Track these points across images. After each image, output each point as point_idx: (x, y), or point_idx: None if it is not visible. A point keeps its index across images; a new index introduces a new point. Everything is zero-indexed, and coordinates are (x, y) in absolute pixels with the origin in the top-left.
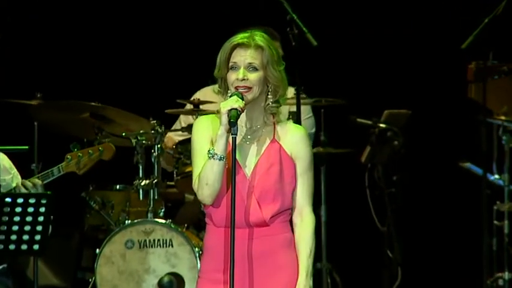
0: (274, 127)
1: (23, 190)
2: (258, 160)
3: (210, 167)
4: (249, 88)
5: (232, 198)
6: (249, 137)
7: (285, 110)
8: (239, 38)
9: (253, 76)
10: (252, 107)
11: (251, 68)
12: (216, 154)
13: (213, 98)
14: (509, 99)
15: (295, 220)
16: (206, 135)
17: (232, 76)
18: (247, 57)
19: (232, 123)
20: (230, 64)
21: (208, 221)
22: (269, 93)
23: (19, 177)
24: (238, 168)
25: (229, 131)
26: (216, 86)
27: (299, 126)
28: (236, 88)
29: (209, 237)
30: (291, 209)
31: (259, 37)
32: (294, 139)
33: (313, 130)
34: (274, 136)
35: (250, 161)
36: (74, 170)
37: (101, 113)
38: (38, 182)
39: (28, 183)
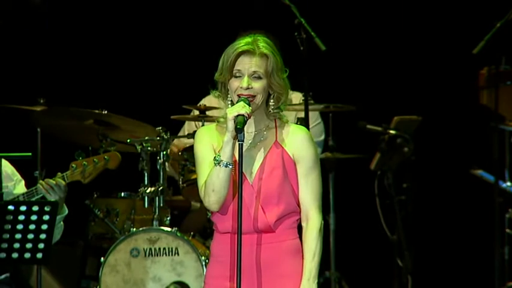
0: (276, 130)
1: (44, 188)
2: (260, 165)
3: (216, 174)
4: (253, 97)
5: (239, 205)
6: (250, 142)
7: (291, 116)
8: (243, 44)
9: (258, 84)
10: (256, 112)
11: (255, 76)
12: (222, 161)
13: (219, 104)
14: None
15: (303, 223)
16: (209, 144)
17: (235, 83)
18: (252, 66)
19: (239, 130)
20: (234, 71)
21: (215, 227)
22: (272, 100)
23: (22, 183)
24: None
25: (235, 138)
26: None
27: (301, 127)
28: (239, 96)
29: (215, 244)
30: (298, 214)
31: (263, 43)
32: (295, 140)
33: (322, 137)
34: (276, 139)
35: (252, 166)
36: (79, 179)
37: (105, 119)
38: (62, 182)
39: (51, 181)
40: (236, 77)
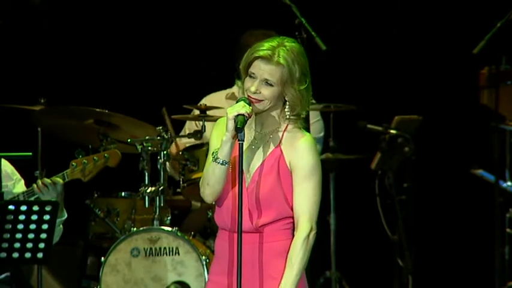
0: (283, 135)
1: (38, 188)
2: (258, 168)
3: (212, 169)
4: (260, 100)
5: (239, 204)
6: (256, 141)
7: None
8: (265, 48)
9: (267, 91)
10: (268, 113)
11: (267, 83)
12: (219, 158)
13: (220, 104)
14: None
15: (295, 232)
16: (221, 135)
17: (248, 84)
18: (265, 73)
19: (239, 129)
20: (249, 72)
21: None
22: (286, 108)
23: (22, 182)
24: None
25: (235, 137)
26: (227, 90)
27: (308, 135)
28: (249, 97)
29: (216, 239)
30: (292, 218)
31: (284, 52)
32: (295, 147)
33: (322, 134)
34: (279, 143)
35: (251, 166)
36: (79, 177)
37: (105, 119)
38: (59, 181)
39: (47, 180)
40: (250, 77)
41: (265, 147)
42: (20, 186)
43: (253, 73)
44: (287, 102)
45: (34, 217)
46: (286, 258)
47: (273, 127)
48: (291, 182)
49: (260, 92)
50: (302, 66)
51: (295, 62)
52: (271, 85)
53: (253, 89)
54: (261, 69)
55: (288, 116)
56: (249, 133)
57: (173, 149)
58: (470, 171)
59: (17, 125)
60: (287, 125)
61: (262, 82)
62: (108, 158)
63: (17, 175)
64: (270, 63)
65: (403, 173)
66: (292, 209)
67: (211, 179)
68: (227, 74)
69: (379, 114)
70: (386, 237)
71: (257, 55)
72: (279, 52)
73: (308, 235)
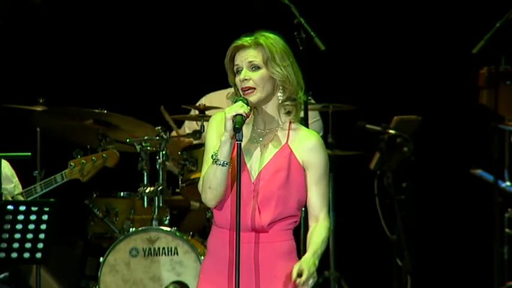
0: (289, 132)
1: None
2: (265, 164)
3: (213, 172)
4: (253, 89)
5: (237, 204)
6: (260, 139)
7: None
8: (242, 39)
9: (256, 75)
10: (266, 107)
11: (253, 67)
12: (219, 160)
13: (218, 104)
14: None
15: (311, 223)
16: (219, 133)
17: (237, 79)
18: (247, 57)
19: (237, 129)
20: (234, 68)
21: (213, 221)
22: (279, 92)
23: (20, 186)
24: (244, 170)
25: (233, 137)
26: (227, 90)
27: (314, 132)
28: (242, 90)
29: (211, 238)
30: (296, 217)
31: (261, 36)
32: (307, 146)
33: (321, 134)
34: (287, 141)
35: (257, 164)
36: (78, 177)
37: (104, 119)
38: (21, 199)
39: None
40: (237, 72)
41: (271, 145)
42: (19, 190)
43: (237, 64)
44: (279, 87)
45: (33, 217)
46: (288, 257)
47: (275, 125)
48: (303, 180)
49: (250, 78)
50: (281, 47)
51: (273, 42)
52: (257, 67)
53: (242, 75)
54: (243, 56)
55: (281, 100)
56: (250, 132)
57: (174, 134)
58: (470, 171)
59: (16, 125)
60: (290, 123)
61: (248, 68)
62: (106, 158)
63: (16, 178)
64: (250, 47)
65: (402, 173)
66: (298, 208)
67: (213, 181)
68: (227, 74)
69: (378, 114)
70: (386, 237)
71: (234, 45)
72: (256, 37)
73: (330, 226)
